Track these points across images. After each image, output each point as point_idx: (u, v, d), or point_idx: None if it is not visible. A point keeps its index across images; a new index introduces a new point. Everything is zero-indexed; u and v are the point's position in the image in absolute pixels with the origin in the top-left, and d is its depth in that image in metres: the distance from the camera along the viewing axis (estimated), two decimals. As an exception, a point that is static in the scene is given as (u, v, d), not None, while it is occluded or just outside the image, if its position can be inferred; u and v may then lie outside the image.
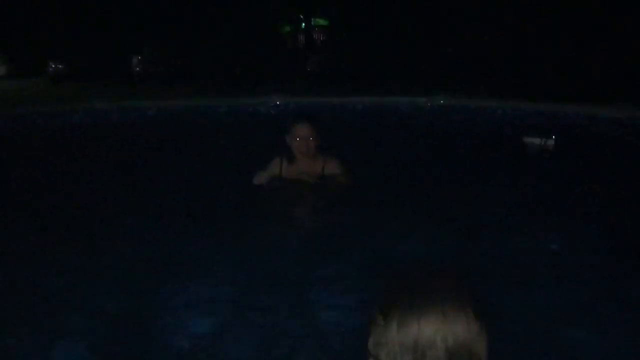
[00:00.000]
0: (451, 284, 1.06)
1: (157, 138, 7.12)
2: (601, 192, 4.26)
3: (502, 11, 14.54)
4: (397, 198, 4.21)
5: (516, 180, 4.68)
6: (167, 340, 2.42)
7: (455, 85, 11.06)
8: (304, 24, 20.69)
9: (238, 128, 7.78)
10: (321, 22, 21.36)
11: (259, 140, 5.90)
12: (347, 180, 4.12)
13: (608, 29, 12.66)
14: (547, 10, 13.66)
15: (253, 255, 3.19)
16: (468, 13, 15.28)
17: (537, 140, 5.82)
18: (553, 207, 3.97)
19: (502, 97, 9.07)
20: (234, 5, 17.01)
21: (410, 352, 1.00)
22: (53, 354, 2.31)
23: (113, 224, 3.77)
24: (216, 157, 5.57)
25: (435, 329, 0.99)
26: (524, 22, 14.19)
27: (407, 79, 12.92)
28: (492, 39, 15.25)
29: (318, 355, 2.27)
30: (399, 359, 1.01)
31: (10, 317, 2.58)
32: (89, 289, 2.85)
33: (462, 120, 8.24)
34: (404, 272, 1.10)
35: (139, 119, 8.83)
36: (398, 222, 3.64)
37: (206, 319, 2.53)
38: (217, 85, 12.95)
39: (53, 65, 20.66)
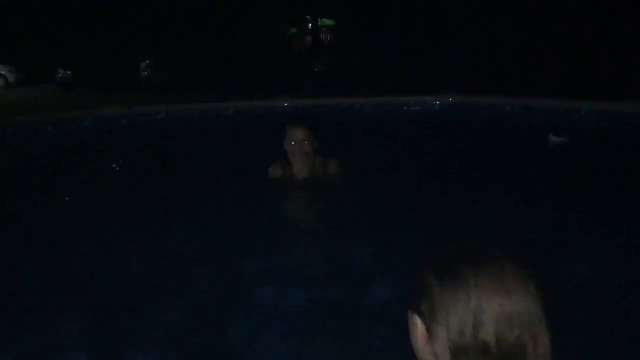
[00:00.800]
0: (509, 254, 1.01)
1: (167, 142, 7.14)
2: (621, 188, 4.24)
3: (509, 8, 14.46)
4: (411, 196, 4.19)
5: (536, 178, 4.65)
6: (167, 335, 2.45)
7: (463, 83, 11.01)
8: (310, 25, 20.69)
9: (247, 131, 7.77)
10: (328, 22, 21.36)
11: (269, 143, 5.89)
12: (345, 180, 4.10)
13: (617, 24, 12.55)
14: (554, 6, 13.57)
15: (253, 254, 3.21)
16: (474, 11, 15.22)
17: (560, 139, 5.81)
18: (577, 204, 3.92)
19: (510, 94, 9.00)
20: (240, 9, 17.03)
21: (469, 314, 0.96)
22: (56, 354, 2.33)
23: (124, 228, 3.79)
24: (226, 160, 5.57)
25: (493, 294, 0.96)
26: (531, 19, 14.10)
27: (414, 78, 12.87)
28: (499, 36, 15.17)
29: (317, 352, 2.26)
30: (458, 323, 0.97)
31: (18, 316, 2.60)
32: (100, 293, 2.88)
33: (473, 118, 8.18)
34: (454, 244, 1.06)
35: (148, 124, 8.85)
36: (414, 220, 3.62)
37: (215, 316, 2.56)
38: (225, 89, 12.96)
39: (61, 72, 20.79)
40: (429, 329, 1.01)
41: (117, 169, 5.72)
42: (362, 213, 3.83)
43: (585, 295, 2.64)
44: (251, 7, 17.28)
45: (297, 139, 3.96)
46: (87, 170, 5.64)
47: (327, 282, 2.91)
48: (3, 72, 23.66)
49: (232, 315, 2.65)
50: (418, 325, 1.03)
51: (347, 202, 4.05)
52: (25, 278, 3.10)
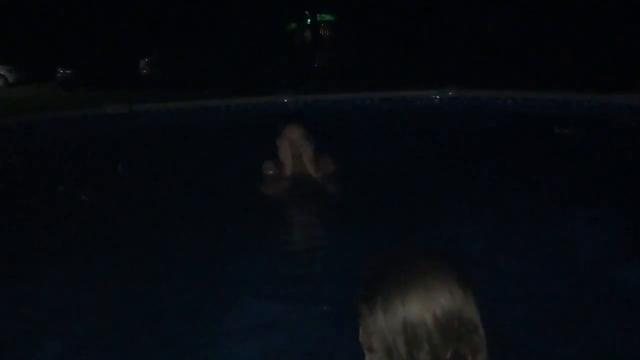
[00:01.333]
0: (428, 258, 1.03)
1: (168, 139, 7.14)
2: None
3: (509, 0, 14.44)
4: (407, 191, 4.19)
5: (537, 169, 4.65)
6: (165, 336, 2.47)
7: (462, 77, 10.99)
8: (309, 20, 20.65)
9: (247, 127, 7.77)
10: (327, 17, 21.31)
11: (269, 139, 5.89)
12: (337, 178, 4.11)
13: (618, 16, 12.52)
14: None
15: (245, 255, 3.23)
16: (474, 4, 15.19)
17: (567, 130, 5.83)
18: (578, 196, 3.93)
19: (510, 87, 8.99)
20: (240, 5, 17.01)
21: (400, 334, 0.98)
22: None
23: (125, 226, 3.80)
24: (227, 157, 5.57)
25: (420, 306, 0.98)
26: (531, 11, 14.07)
27: (414, 72, 12.85)
28: (499, 29, 15.14)
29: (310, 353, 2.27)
30: (391, 343, 0.99)
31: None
32: (96, 293, 2.88)
33: (474, 112, 8.19)
34: (380, 257, 1.08)
35: (149, 121, 8.86)
36: (418, 213, 3.63)
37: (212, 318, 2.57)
38: (225, 85, 12.95)
39: (61, 71, 20.75)
40: (369, 351, 1.04)
41: (118, 166, 5.71)
42: (353, 212, 3.81)
43: (588, 284, 2.65)
44: (251, 3, 17.27)
45: (292, 137, 3.97)
46: (88, 168, 5.64)
47: (315, 280, 2.92)
48: (2, 72, 23.61)
49: (216, 310, 2.68)
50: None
51: (337, 200, 4.04)
52: (25, 275, 3.10)
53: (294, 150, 3.98)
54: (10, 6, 20.95)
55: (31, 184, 5.18)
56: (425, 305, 0.98)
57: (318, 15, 20.66)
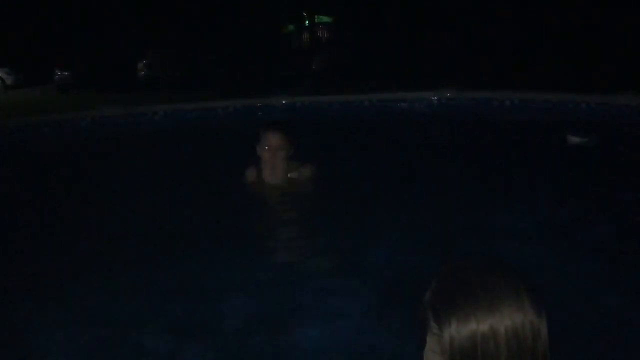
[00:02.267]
0: (502, 278, 1.03)
1: (166, 142, 7.11)
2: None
3: (507, 1, 14.44)
4: (414, 193, 4.18)
5: (537, 172, 4.61)
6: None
7: (460, 78, 11.00)
8: (307, 22, 20.63)
9: (246, 129, 7.75)
10: (325, 19, 21.31)
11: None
12: (318, 185, 4.06)
13: (615, 17, 12.52)
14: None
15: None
16: (471, 5, 15.19)
17: (582, 139, 5.45)
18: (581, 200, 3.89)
19: (508, 88, 8.99)
20: (238, 6, 17.01)
21: (470, 353, 0.99)
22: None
23: (118, 227, 3.79)
24: (219, 160, 5.54)
25: (491, 326, 0.98)
26: (529, 13, 14.07)
27: (412, 74, 12.85)
28: (496, 30, 15.14)
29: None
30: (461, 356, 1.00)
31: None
32: (91, 298, 2.86)
33: (473, 113, 8.17)
34: (451, 270, 1.07)
35: (147, 123, 8.83)
36: (418, 216, 3.61)
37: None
38: (223, 87, 12.94)
39: (59, 73, 20.75)
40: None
41: (115, 169, 5.69)
42: (334, 219, 3.75)
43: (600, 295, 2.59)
44: (249, 5, 17.25)
45: (271, 145, 3.90)
46: (85, 171, 5.61)
47: (294, 287, 2.89)
48: (0, 75, 23.62)
49: (192, 313, 2.66)
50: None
51: (318, 208, 3.99)
52: (23, 277, 3.09)
53: (273, 158, 3.91)
54: (7, 9, 20.92)
55: (27, 186, 5.15)
56: (499, 322, 0.99)
57: (316, 16, 20.63)
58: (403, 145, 5.97)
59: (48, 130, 8.40)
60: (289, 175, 4.03)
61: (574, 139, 5.52)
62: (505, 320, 0.98)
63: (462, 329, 0.99)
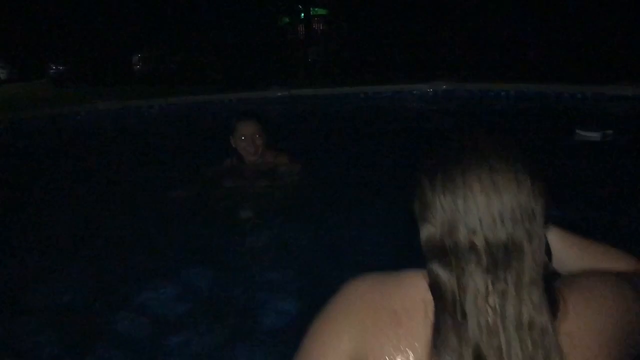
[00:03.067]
0: (499, 143, 1.02)
1: (161, 136, 7.12)
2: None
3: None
4: (389, 185, 4.16)
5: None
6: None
7: (455, 70, 11.01)
8: (303, 14, 20.56)
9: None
10: (320, 11, 21.22)
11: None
12: (298, 173, 4.05)
13: (611, 10, 12.52)
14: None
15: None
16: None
17: (593, 135, 5.06)
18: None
19: (502, 79, 9.01)
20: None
21: (458, 212, 0.97)
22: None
23: (117, 225, 3.79)
24: (220, 152, 5.55)
25: (482, 188, 0.97)
26: (523, 4, 14.06)
27: (407, 66, 12.85)
28: (490, 22, 15.13)
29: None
30: (446, 222, 0.98)
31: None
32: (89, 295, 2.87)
33: (468, 105, 8.20)
34: (449, 137, 1.07)
35: (142, 117, 8.83)
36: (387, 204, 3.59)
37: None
38: (218, 80, 12.92)
39: (54, 67, 20.67)
40: (420, 228, 1.03)
41: (110, 162, 5.69)
42: (319, 206, 3.74)
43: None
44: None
45: (247, 133, 3.89)
46: (80, 165, 5.61)
47: (274, 268, 2.89)
48: (-5, 69, 23.57)
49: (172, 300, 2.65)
50: None
51: (296, 193, 3.99)
52: (21, 274, 3.10)
53: (251, 145, 3.89)
54: (1, 3, 20.81)
55: (21, 181, 5.15)
56: (483, 196, 0.97)
57: (311, 9, 20.56)
58: (397, 136, 5.99)
59: (43, 125, 8.39)
60: (267, 160, 4.01)
61: (585, 134, 5.14)
62: (494, 188, 0.96)
63: (449, 186, 0.98)
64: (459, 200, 0.97)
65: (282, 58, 17.25)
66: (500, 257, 0.96)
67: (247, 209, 3.84)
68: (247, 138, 3.87)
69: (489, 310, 0.96)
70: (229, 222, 3.67)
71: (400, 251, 2.91)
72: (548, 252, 1.15)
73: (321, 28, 20.75)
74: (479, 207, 0.96)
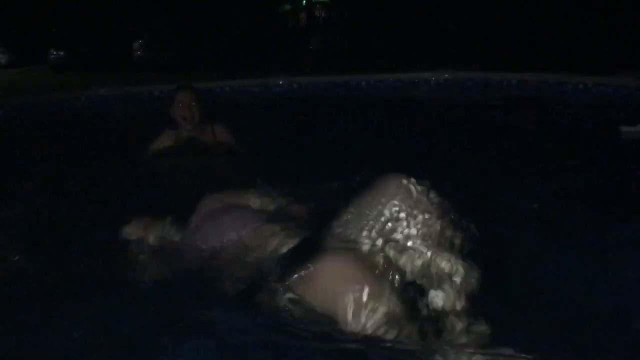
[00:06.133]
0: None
1: (163, 123, 7.07)
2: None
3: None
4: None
5: (537, 156, 4.54)
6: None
7: (458, 59, 10.95)
8: (304, 2, 20.46)
9: (243, 111, 7.72)
10: (322, -2, 21.15)
11: (266, 122, 5.86)
12: (237, 145, 4.38)
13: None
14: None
15: None
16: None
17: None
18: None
19: (504, 68, 8.96)
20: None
21: None
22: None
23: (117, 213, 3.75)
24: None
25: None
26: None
27: (409, 54, 12.78)
28: (492, 11, 15.04)
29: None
30: None
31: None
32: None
33: (470, 94, 8.16)
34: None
35: (143, 104, 8.78)
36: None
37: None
38: (219, 67, 12.86)
39: (54, 53, 20.57)
40: None
41: (111, 150, 5.65)
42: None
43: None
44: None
45: (183, 101, 4.23)
46: (80, 152, 5.58)
47: None
48: (-5, 54, 23.44)
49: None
50: None
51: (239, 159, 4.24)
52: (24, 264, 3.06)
53: (187, 113, 4.23)
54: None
55: (11, 168, 5.09)
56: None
57: (313, -4, 20.50)
58: (400, 125, 5.96)
59: (42, 111, 8.34)
60: (204, 131, 4.33)
61: (631, 129, 4.80)
62: None
63: None
64: None
65: (283, 46, 17.16)
66: None
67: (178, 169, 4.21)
68: (183, 105, 4.23)
69: None
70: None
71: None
72: None
73: (323, 15, 20.66)
74: None
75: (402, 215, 1.71)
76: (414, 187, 1.72)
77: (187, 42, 18.31)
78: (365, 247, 1.71)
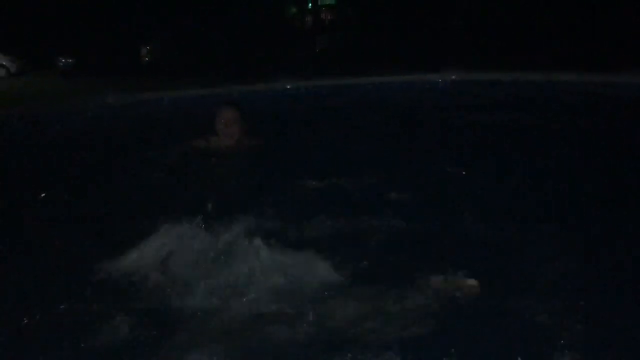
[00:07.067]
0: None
1: (172, 128, 7.11)
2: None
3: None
4: (421, 177, 4.14)
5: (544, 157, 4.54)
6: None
7: (464, 60, 10.94)
8: (310, 4, 20.50)
9: (252, 114, 7.74)
10: (328, 1, 21.14)
11: (272, 127, 5.88)
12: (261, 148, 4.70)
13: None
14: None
15: None
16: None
17: None
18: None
19: (511, 69, 8.95)
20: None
21: None
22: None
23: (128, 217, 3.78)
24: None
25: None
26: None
27: (416, 56, 12.78)
28: (498, 11, 15.01)
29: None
30: None
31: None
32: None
33: (477, 95, 8.14)
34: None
35: (151, 110, 8.83)
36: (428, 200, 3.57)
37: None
38: (227, 72, 12.91)
39: (63, 60, 20.72)
40: None
41: (117, 156, 5.69)
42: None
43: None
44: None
45: (227, 118, 4.54)
46: (90, 159, 5.63)
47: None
48: (4, 62, 23.56)
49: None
50: None
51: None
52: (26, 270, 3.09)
53: (227, 129, 4.53)
54: (10, -4, 20.90)
55: (22, 175, 5.14)
56: None
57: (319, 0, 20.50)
58: (405, 128, 5.96)
59: (52, 118, 8.41)
60: (242, 144, 4.61)
61: None
62: None
63: None
64: None
65: (290, 49, 17.19)
66: None
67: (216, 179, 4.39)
68: (226, 122, 4.54)
69: None
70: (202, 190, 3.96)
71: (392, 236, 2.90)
72: None
73: (329, 18, 20.68)
74: None
75: None
76: None
77: (194, 47, 18.40)
78: None
